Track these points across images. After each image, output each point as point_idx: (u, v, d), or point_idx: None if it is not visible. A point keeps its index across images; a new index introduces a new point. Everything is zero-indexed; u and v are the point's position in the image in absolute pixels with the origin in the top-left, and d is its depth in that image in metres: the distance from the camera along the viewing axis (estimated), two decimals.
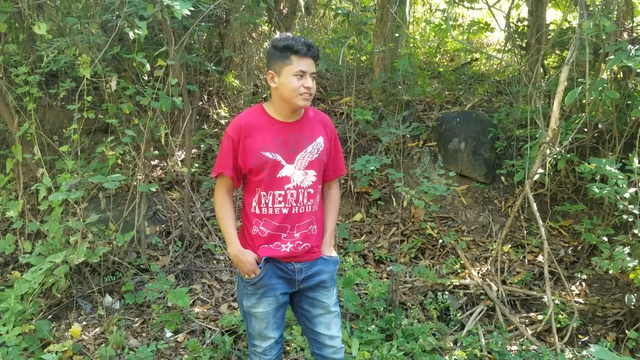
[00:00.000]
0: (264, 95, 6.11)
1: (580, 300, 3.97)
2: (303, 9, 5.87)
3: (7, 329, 3.21)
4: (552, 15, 6.92)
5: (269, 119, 2.30)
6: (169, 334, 3.59)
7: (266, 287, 2.32)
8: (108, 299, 3.93)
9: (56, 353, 3.20)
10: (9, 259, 4.43)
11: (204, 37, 6.25)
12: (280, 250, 2.30)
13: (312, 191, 2.31)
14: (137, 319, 3.77)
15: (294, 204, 2.28)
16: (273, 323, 2.38)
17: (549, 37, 4.92)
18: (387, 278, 4.24)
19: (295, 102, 2.23)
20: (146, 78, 4.55)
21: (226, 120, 6.03)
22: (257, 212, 2.31)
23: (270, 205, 2.28)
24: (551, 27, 5.49)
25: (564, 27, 5.03)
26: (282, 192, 2.26)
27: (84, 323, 3.71)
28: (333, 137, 2.44)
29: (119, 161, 4.44)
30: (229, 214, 2.35)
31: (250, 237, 2.35)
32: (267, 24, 6.53)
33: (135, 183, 4.28)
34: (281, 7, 6.35)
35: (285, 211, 2.28)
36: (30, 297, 3.51)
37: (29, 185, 4.81)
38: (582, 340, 3.59)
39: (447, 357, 3.29)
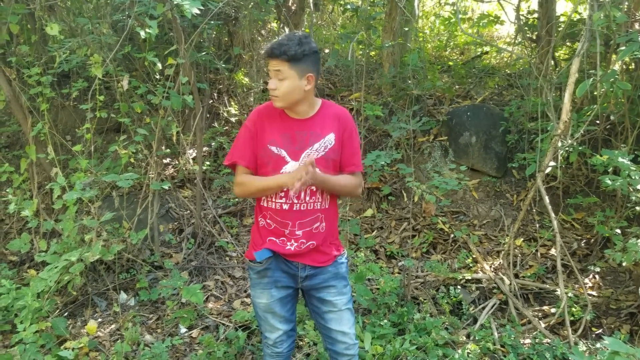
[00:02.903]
0: None
1: (594, 292, 3.95)
2: (311, 5, 5.87)
3: (24, 326, 3.25)
4: (562, 6, 6.86)
5: (282, 115, 2.31)
6: (183, 329, 3.63)
7: (269, 278, 2.35)
8: (123, 296, 3.98)
9: (73, 350, 3.24)
10: (25, 257, 4.49)
11: (214, 35, 6.28)
12: (285, 247, 2.31)
13: (314, 189, 2.28)
14: (151, 315, 3.81)
15: (295, 201, 2.27)
16: (280, 315, 2.40)
17: (560, 29, 4.89)
18: (399, 273, 4.25)
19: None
20: (157, 77, 4.59)
21: (236, 118, 6.05)
22: (265, 204, 2.33)
23: (273, 199, 2.29)
24: (561, 18, 5.45)
25: (575, 19, 4.99)
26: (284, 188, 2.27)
27: (100, 320, 3.76)
28: (348, 131, 2.35)
29: (132, 160, 4.48)
30: (254, 178, 2.30)
31: (259, 228, 2.38)
32: (275, 20, 6.54)
33: (147, 181, 4.31)
34: (290, 4, 6.35)
35: (285, 207, 2.28)
36: (46, 295, 3.56)
37: (43, 185, 4.87)
38: (596, 333, 3.58)
39: (459, 351, 3.30)
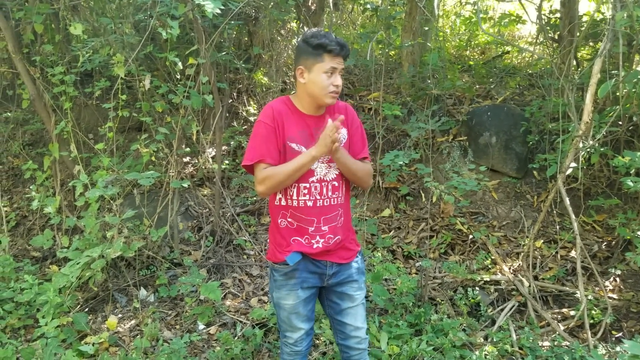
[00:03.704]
0: (292, 92, 6.15)
1: (614, 295, 3.90)
2: (331, 5, 5.88)
3: (46, 320, 3.32)
4: (585, 6, 6.77)
5: (296, 111, 2.32)
6: (201, 326, 3.67)
7: (297, 279, 2.35)
8: (143, 292, 4.03)
9: (93, 344, 3.30)
10: (47, 253, 4.58)
11: (234, 35, 6.32)
12: (312, 247, 2.31)
13: (336, 184, 2.32)
14: (170, 311, 3.86)
15: (318, 197, 2.29)
16: (303, 315, 2.41)
17: (582, 28, 4.83)
18: (416, 273, 4.24)
19: (323, 99, 2.25)
20: (178, 76, 4.64)
21: (255, 117, 6.09)
22: (284, 203, 2.32)
23: (294, 197, 2.29)
24: (584, 18, 5.38)
25: (597, 19, 4.92)
26: (307, 185, 2.27)
27: (120, 315, 3.82)
28: (355, 123, 2.40)
29: (153, 158, 4.54)
30: (279, 166, 2.23)
31: (279, 230, 2.36)
32: (295, 20, 6.56)
33: (168, 180, 4.37)
34: (309, 4, 6.37)
35: (310, 204, 2.29)
36: (68, 290, 3.63)
37: (66, 182, 4.95)
38: (616, 336, 3.53)
39: (477, 353, 3.28)
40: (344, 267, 2.40)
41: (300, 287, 2.36)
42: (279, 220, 2.35)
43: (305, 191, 2.28)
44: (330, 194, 2.31)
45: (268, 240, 2.61)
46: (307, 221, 2.30)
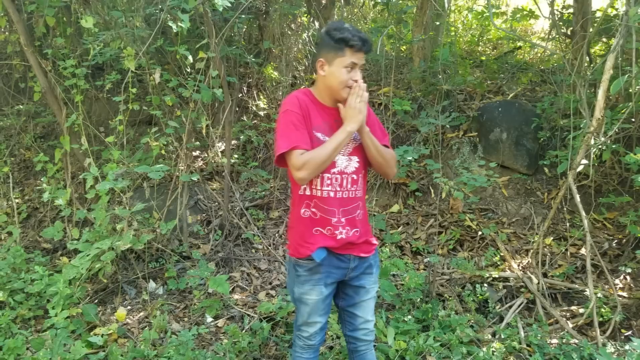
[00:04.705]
0: (302, 86, 6.15)
1: (624, 294, 3.87)
2: None
3: (56, 312, 3.35)
4: (599, 1, 6.69)
5: (317, 102, 2.33)
6: (209, 319, 3.68)
7: (321, 274, 2.34)
8: (152, 284, 4.06)
9: (102, 336, 3.33)
10: (58, 245, 4.62)
11: (244, 29, 6.32)
12: (335, 238, 2.30)
13: (355, 177, 2.32)
14: (179, 304, 3.88)
15: (338, 189, 2.29)
16: (322, 309, 2.41)
17: (595, 24, 4.77)
18: (424, 269, 4.23)
19: (341, 93, 2.25)
20: (188, 70, 4.65)
21: (265, 112, 6.09)
22: (308, 193, 2.31)
23: (319, 187, 2.28)
24: (597, 14, 5.32)
25: (610, 14, 4.86)
26: (329, 175, 2.27)
27: (129, 307, 3.84)
28: (368, 115, 2.37)
29: (163, 152, 4.56)
30: (316, 149, 2.20)
31: (302, 220, 2.34)
32: (306, 14, 6.54)
33: (177, 173, 4.38)
34: None
35: (332, 194, 2.29)
36: (77, 282, 3.67)
37: (77, 175, 4.99)
38: (625, 334, 3.50)
39: (484, 349, 3.27)
40: (364, 261, 2.41)
41: (324, 282, 2.35)
42: (302, 211, 2.33)
43: (328, 182, 2.28)
44: (349, 186, 2.31)
45: (287, 238, 2.60)
46: (329, 212, 2.29)
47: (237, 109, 5.93)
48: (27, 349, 3.22)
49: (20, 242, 4.56)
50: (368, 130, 2.29)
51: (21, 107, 5.79)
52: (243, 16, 4.91)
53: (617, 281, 3.99)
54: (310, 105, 2.29)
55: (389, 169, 2.41)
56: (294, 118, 2.22)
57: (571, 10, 5.40)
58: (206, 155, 5.54)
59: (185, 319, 3.72)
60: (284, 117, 2.24)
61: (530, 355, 3.28)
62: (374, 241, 2.47)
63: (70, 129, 4.42)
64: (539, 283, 3.86)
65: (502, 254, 4.28)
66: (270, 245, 4.54)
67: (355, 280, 2.43)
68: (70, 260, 3.94)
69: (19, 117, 5.89)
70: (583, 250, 4.27)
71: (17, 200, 5.14)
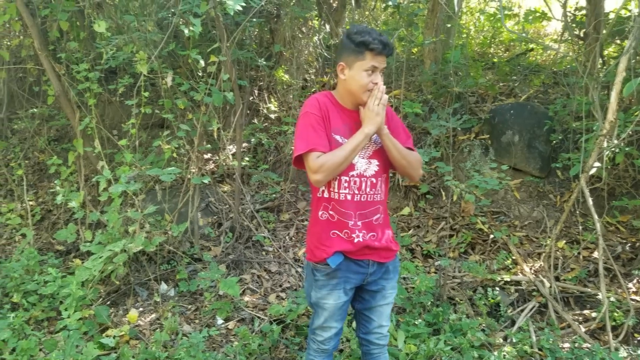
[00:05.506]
0: (312, 90, 6.16)
1: (637, 298, 3.82)
2: (353, 2, 5.86)
3: (68, 313, 3.39)
4: (612, 3, 6.63)
5: (338, 105, 2.33)
6: (220, 321, 3.70)
7: (339, 278, 2.33)
8: (163, 286, 4.09)
9: (114, 337, 3.36)
10: (71, 247, 4.66)
11: (255, 33, 6.35)
12: (353, 241, 2.29)
13: (374, 180, 2.30)
14: (190, 306, 3.90)
15: (357, 192, 2.28)
16: (338, 315, 2.41)
17: (608, 26, 4.74)
18: (435, 272, 4.21)
19: (361, 97, 2.25)
20: (200, 74, 4.68)
21: (276, 115, 6.11)
22: (326, 195, 2.30)
23: (336, 190, 2.27)
24: (610, 15, 5.28)
25: (624, 16, 4.82)
26: (347, 178, 2.26)
27: (141, 309, 3.87)
28: (391, 117, 2.40)
29: (174, 154, 4.59)
30: (333, 151, 2.21)
31: (319, 222, 2.34)
32: (316, 18, 6.56)
33: (189, 176, 4.41)
34: (331, 1, 6.37)
35: (349, 197, 2.27)
36: (90, 283, 3.70)
37: (90, 177, 5.04)
38: (638, 339, 3.47)
39: (495, 353, 3.25)
40: (382, 266, 2.40)
41: (343, 288, 2.34)
42: (320, 213, 2.33)
43: (346, 184, 2.27)
44: (368, 189, 2.29)
45: (306, 241, 2.60)
46: (346, 215, 2.28)
47: (248, 112, 5.96)
48: (40, 350, 3.25)
49: (34, 244, 4.61)
50: (387, 132, 2.28)
51: (35, 110, 5.85)
52: (254, 20, 4.94)
53: (630, 285, 3.95)
54: (330, 107, 2.30)
55: (412, 171, 2.39)
56: (312, 120, 2.23)
57: (584, 12, 5.36)
58: (217, 158, 5.57)
59: (196, 321, 3.74)
60: (303, 119, 2.25)
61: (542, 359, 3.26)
62: (395, 247, 2.43)
63: (84, 132, 4.46)
64: (551, 287, 3.83)
65: (514, 257, 4.25)
66: (280, 248, 4.55)
67: (372, 285, 2.41)
68: (83, 262, 3.98)
69: (33, 121, 5.96)
70: (596, 254, 4.23)
71: (31, 203, 5.20)
